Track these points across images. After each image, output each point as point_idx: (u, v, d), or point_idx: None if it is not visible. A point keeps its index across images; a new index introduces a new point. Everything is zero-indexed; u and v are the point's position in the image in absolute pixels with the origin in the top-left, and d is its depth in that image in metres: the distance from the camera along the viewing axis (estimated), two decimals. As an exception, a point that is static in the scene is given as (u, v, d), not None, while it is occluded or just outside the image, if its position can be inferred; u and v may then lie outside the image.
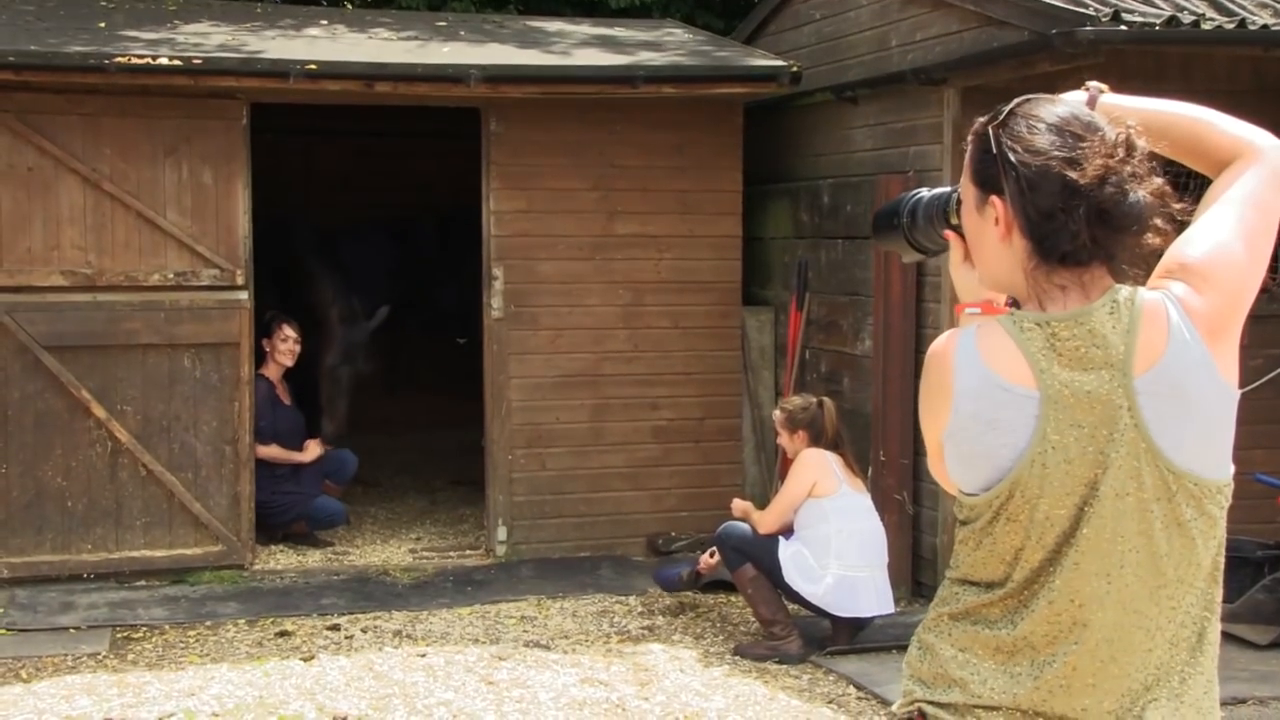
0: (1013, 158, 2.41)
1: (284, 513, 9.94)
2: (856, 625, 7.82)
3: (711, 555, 8.28)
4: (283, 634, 8.12)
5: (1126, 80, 8.50)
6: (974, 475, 2.48)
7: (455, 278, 12.90)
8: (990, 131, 2.47)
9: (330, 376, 10.55)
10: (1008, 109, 2.48)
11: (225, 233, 9.24)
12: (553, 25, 10.97)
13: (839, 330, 9.57)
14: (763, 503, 8.41)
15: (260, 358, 9.85)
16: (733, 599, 8.70)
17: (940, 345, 2.51)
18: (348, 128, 13.36)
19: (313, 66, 8.91)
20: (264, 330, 9.83)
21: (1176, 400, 2.43)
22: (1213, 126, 2.65)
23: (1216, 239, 2.50)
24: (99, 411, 9.04)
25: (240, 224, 9.26)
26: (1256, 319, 9.14)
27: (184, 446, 9.25)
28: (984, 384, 2.42)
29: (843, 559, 7.72)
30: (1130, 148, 2.42)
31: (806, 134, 10.30)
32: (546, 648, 7.89)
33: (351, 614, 8.48)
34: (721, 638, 8.15)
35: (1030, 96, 2.51)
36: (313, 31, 10.00)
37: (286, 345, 10.00)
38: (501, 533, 9.78)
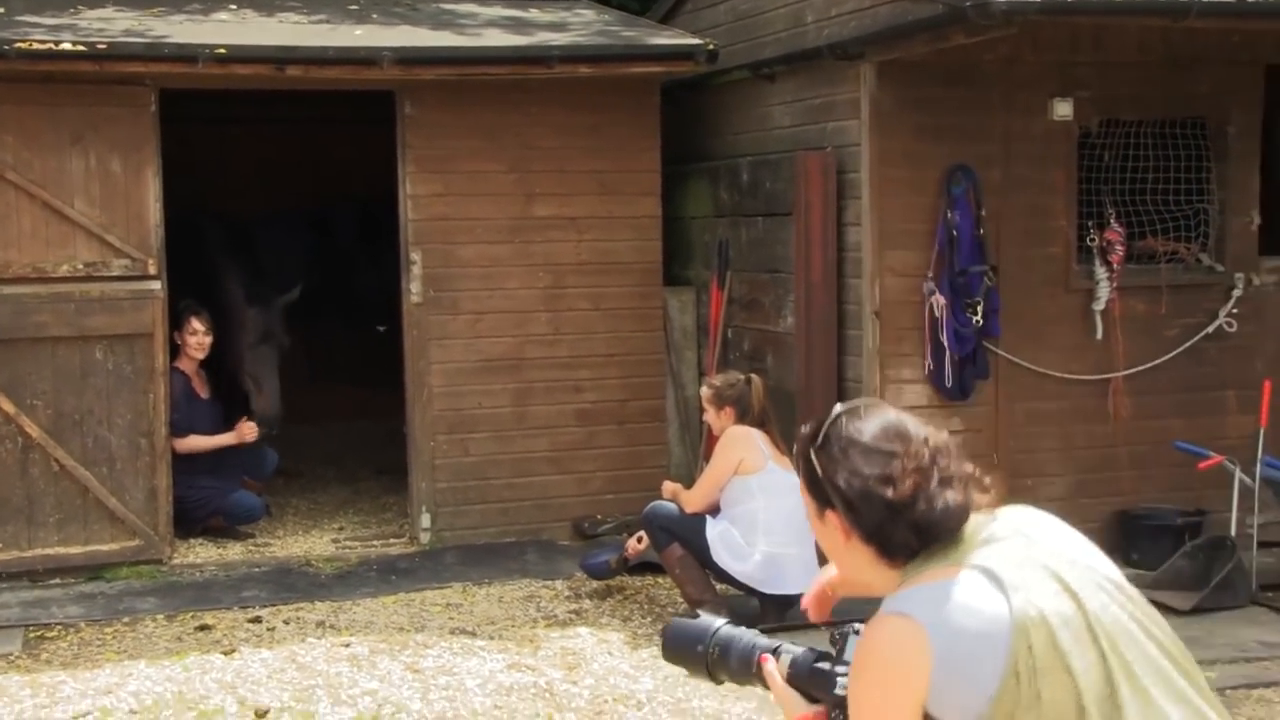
0: (838, 482, 2.63)
1: (201, 507, 9.78)
2: (785, 602, 7.77)
3: (639, 540, 8.22)
4: (203, 628, 7.98)
5: (1040, 52, 8.56)
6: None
7: (375, 265, 12.74)
8: (813, 456, 2.68)
9: (252, 356, 10.34)
10: (825, 428, 2.69)
11: (136, 222, 9.06)
12: (465, 7, 10.83)
13: (761, 308, 9.53)
14: (689, 483, 8.35)
15: (175, 351, 9.68)
16: (660, 581, 8.64)
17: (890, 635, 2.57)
18: (263, 115, 13.17)
19: (222, 50, 8.76)
20: (175, 323, 9.65)
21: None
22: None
23: None
24: (8, 407, 8.84)
25: (151, 212, 9.08)
26: (1173, 289, 9.24)
27: (98, 440, 9.07)
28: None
29: (770, 536, 7.68)
30: (938, 451, 2.64)
31: (725, 113, 10.25)
32: (473, 634, 7.79)
33: (273, 605, 8.35)
34: (649, 619, 8.09)
35: (846, 408, 2.71)
36: (221, 16, 9.82)
37: (195, 339, 9.83)
38: (425, 520, 9.67)
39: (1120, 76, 8.82)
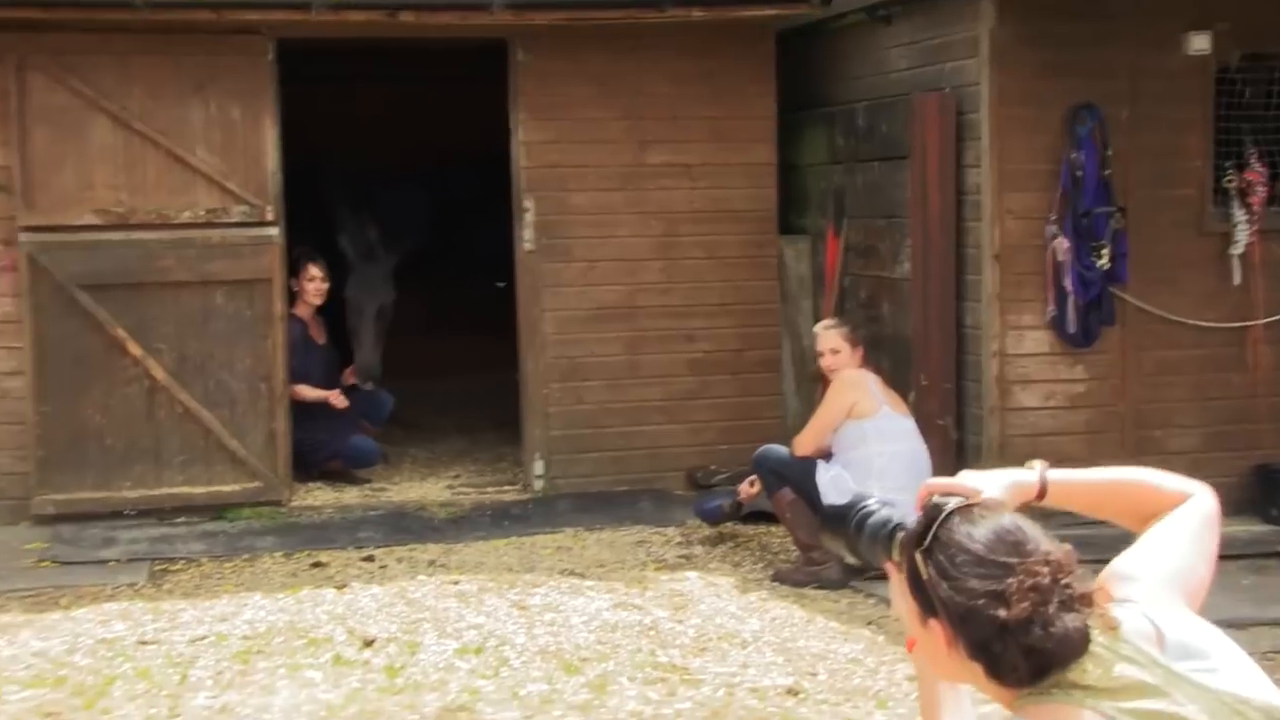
0: (941, 593, 2.43)
1: (319, 451, 9.91)
2: (897, 548, 7.69)
3: (752, 484, 8.18)
4: (317, 565, 8.10)
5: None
6: None
7: (493, 221, 12.80)
8: (919, 560, 2.47)
9: (353, 309, 10.39)
10: (933, 530, 2.47)
11: (254, 169, 9.19)
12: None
13: (877, 255, 9.41)
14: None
15: (293, 298, 9.80)
16: (774, 530, 8.59)
17: None
18: (382, 73, 13.29)
19: (336, -3, 8.85)
20: (292, 270, 9.76)
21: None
22: (1154, 486, 2.78)
23: (1165, 555, 2.66)
24: (135, 349, 9.02)
25: (269, 160, 9.20)
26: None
27: (219, 384, 9.23)
28: None
29: (884, 481, 7.56)
30: (1060, 569, 2.41)
31: (840, 58, 10.12)
32: (581, 575, 7.81)
33: (387, 546, 8.44)
34: (760, 565, 8.05)
35: (956, 508, 2.50)
36: (338, -33, 9.90)
37: (313, 285, 9.94)
38: (538, 467, 9.71)
39: (1263, 6, 8.49)
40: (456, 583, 7.63)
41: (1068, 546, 2.49)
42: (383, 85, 13.58)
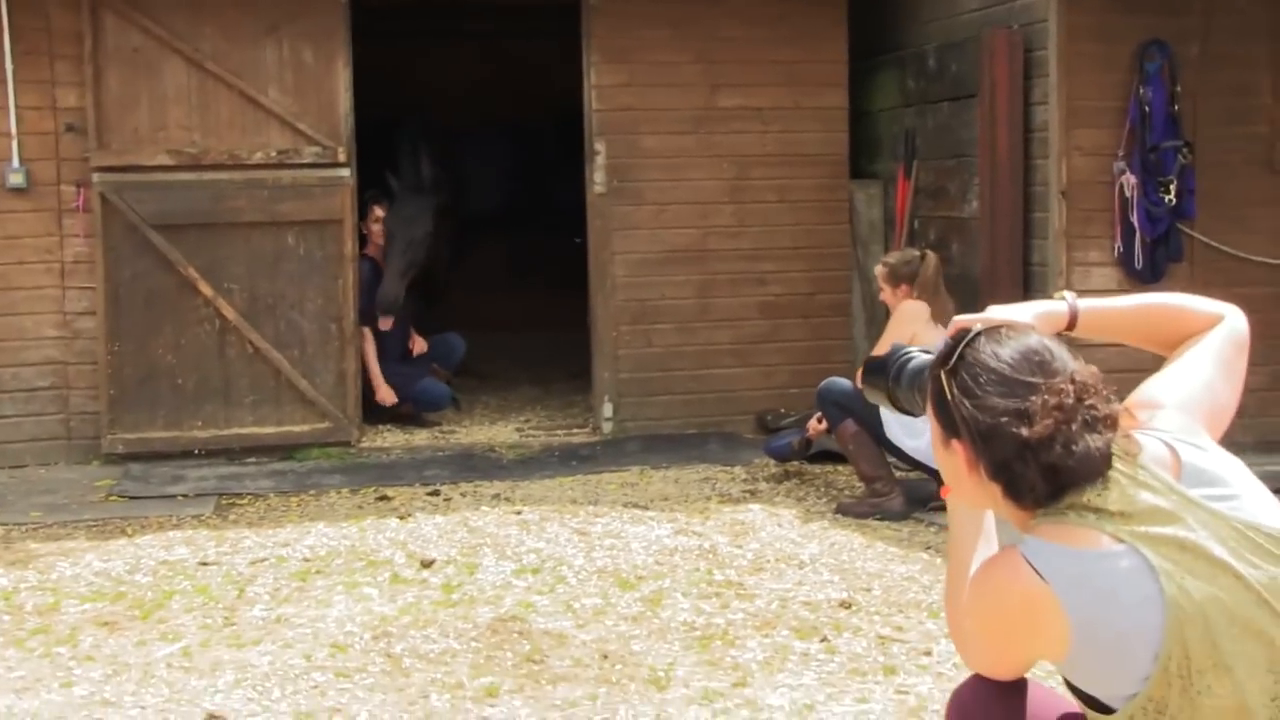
0: (965, 412, 2.44)
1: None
2: (959, 480, 7.62)
3: (820, 420, 8.14)
4: (382, 498, 8.14)
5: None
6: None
7: (573, 178, 12.85)
8: (944, 379, 2.49)
9: (386, 238, 10.24)
10: (959, 350, 2.49)
11: (327, 110, 9.26)
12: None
13: (946, 195, 9.33)
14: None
15: (364, 240, 9.86)
16: (840, 469, 8.55)
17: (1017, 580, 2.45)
18: (465, 29, 13.39)
19: (408, -65, 8.89)
20: (362, 213, 9.81)
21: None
22: (1185, 309, 2.79)
23: (1188, 380, 2.66)
24: (206, 290, 9.12)
25: (341, 102, 9.26)
26: None
27: (290, 324, 9.30)
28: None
29: (945, 412, 7.52)
30: (1084, 389, 2.41)
31: (913, 2, 10.03)
32: (644, 508, 7.80)
33: (453, 483, 8.47)
34: (825, 500, 8.01)
35: (984, 329, 2.52)
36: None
37: (379, 226, 10.00)
38: (608, 409, 9.71)
39: None
40: (519, 512, 7.65)
41: (1094, 368, 2.47)
42: (464, 42, 13.67)
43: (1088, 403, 2.41)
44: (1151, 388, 2.69)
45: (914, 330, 7.61)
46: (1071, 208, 8.32)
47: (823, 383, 7.98)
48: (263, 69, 9.19)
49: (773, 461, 8.68)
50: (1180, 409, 2.63)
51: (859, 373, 7.74)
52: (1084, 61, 8.27)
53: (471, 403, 10.84)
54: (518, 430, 9.99)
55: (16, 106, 8.91)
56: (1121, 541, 2.39)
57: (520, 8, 11.74)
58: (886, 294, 7.94)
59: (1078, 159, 8.32)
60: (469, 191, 12.62)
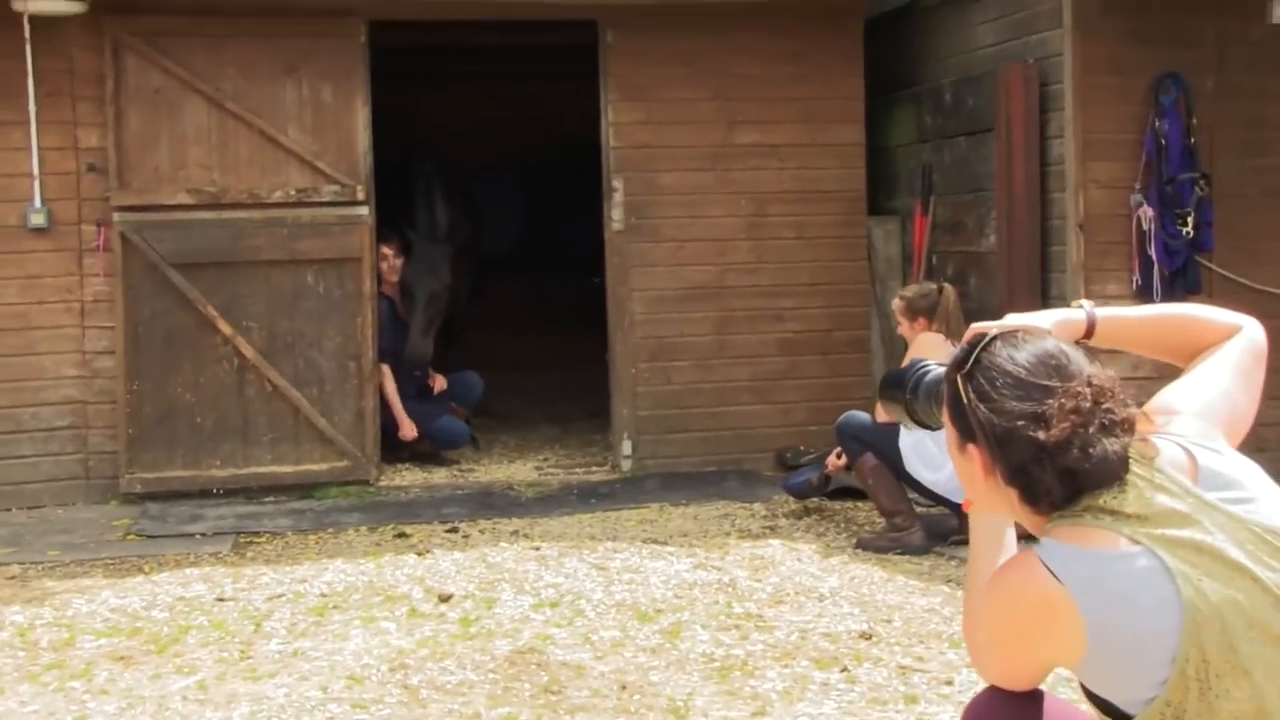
0: (980, 415, 2.44)
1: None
2: (980, 514, 7.57)
3: (839, 455, 8.11)
4: (401, 535, 8.12)
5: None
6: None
7: (588, 217, 12.90)
8: (959, 382, 2.49)
9: (405, 294, 10.27)
10: (975, 354, 2.49)
11: (345, 149, 9.29)
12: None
13: (964, 230, 9.33)
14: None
15: (381, 277, 9.88)
16: (860, 505, 8.52)
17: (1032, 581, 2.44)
18: (477, 71, 13.48)
19: (427, -26, 8.95)
20: (373, 250, 9.84)
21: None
22: (1203, 320, 2.80)
23: (1206, 387, 2.66)
24: (225, 328, 9.14)
25: (360, 140, 9.30)
26: None
27: (308, 362, 9.31)
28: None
29: (964, 445, 7.49)
30: (1101, 393, 2.40)
31: (929, 39, 10.07)
32: (663, 543, 7.77)
33: (472, 520, 8.45)
34: (845, 536, 7.97)
35: (1000, 334, 2.52)
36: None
37: (386, 264, 9.95)
38: (626, 447, 9.69)
39: None
40: (538, 548, 7.63)
41: (1111, 372, 2.46)
42: (482, 82, 13.76)
43: (1105, 406, 2.40)
44: (1169, 395, 2.68)
45: (933, 361, 7.57)
46: (1089, 241, 8.32)
47: (841, 417, 7.96)
48: (282, 108, 9.24)
49: (792, 498, 8.65)
50: (1198, 415, 2.62)
51: (878, 406, 7.76)
52: (1099, 94, 8.28)
53: (490, 441, 10.83)
54: (536, 468, 9.97)
55: (39, 148, 8.97)
56: (1138, 543, 2.37)
57: (533, 47, 11.82)
58: (904, 327, 7.92)
59: (1095, 192, 8.31)
60: (483, 230, 12.66)
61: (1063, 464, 2.39)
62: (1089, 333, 2.77)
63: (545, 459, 10.31)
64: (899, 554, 7.47)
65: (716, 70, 9.64)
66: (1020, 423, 2.41)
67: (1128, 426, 2.42)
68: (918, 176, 9.83)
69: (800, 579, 6.93)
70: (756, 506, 8.70)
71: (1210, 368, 2.73)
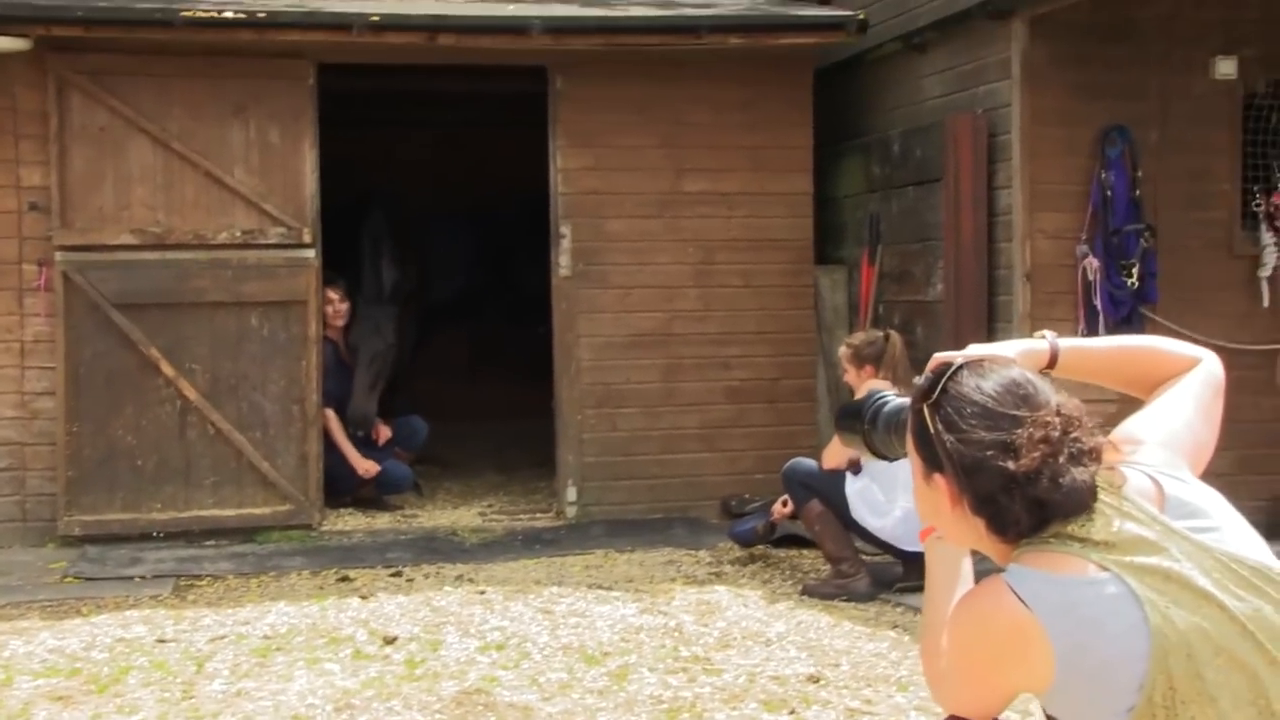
0: (948, 446, 2.40)
1: (353, 477, 9.88)
2: (926, 561, 7.56)
3: (785, 504, 8.10)
4: (344, 579, 8.04)
5: (1201, 8, 8.18)
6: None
7: (538, 265, 12.88)
8: (926, 412, 2.45)
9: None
10: (941, 383, 2.46)
11: (293, 191, 9.25)
12: (617, -10, 10.89)
13: (911, 279, 9.38)
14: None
15: (326, 321, 9.81)
16: (805, 553, 8.51)
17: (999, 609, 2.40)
18: (429, 118, 13.48)
19: (375, 18, 8.92)
20: (318, 294, 9.77)
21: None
22: (1163, 351, 2.80)
23: (1169, 418, 2.65)
24: (168, 370, 9.05)
25: (308, 182, 9.26)
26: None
27: (252, 405, 9.23)
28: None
29: (911, 492, 7.48)
30: (1069, 423, 2.38)
31: (877, 89, 10.15)
32: (608, 588, 7.73)
33: (416, 565, 8.37)
34: (790, 583, 7.95)
35: (966, 363, 2.49)
36: (380, -3, 10.01)
37: (331, 308, 9.89)
38: (571, 493, 9.65)
39: (1287, 34, 8.51)
40: (483, 592, 7.57)
41: (1078, 401, 2.45)
42: (431, 130, 13.76)
43: (1073, 435, 2.37)
44: (1132, 425, 2.68)
45: (880, 410, 7.57)
46: (1035, 290, 8.38)
47: (788, 463, 7.95)
48: (229, 149, 9.19)
49: (737, 546, 8.62)
50: (1162, 445, 2.61)
51: (824, 453, 7.76)
52: (1047, 145, 8.36)
53: (434, 488, 10.75)
54: (480, 514, 9.90)
55: (-20, 185, 8.88)
56: (1106, 570, 2.35)
57: (481, 95, 11.83)
58: (851, 375, 7.91)
59: (1041, 242, 8.38)
60: (430, 278, 12.63)
61: (1032, 494, 2.36)
62: (1051, 363, 2.76)
63: (490, 505, 10.24)
64: (844, 600, 7.45)
65: (666, 117, 9.67)
66: (989, 453, 2.37)
67: (1096, 455, 2.40)
68: (865, 226, 9.88)
69: (747, 624, 6.89)
70: (702, 553, 8.66)
71: (1172, 399, 2.73)
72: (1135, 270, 8.26)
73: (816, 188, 9.98)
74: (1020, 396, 2.43)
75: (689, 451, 9.78)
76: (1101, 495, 2.42)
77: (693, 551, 8.71)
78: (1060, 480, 2.35)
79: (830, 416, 9.92)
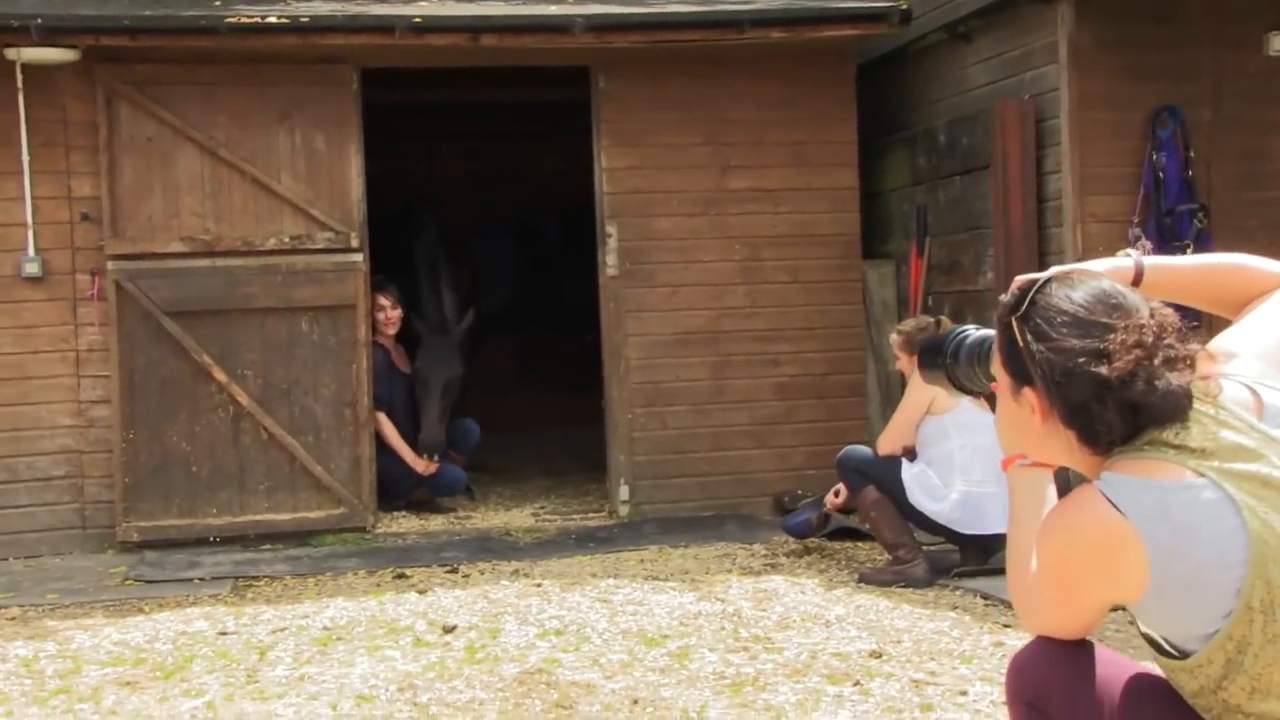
0: (1039, 356, 2.40)
1: (406, 479, 9.90)
2: (985, 544, 7.53)
3: (837, 494, 8.06)
4: (400, 576, 8.05)
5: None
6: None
7: (582, 274, 12.90)
8: (1014, 324, 2.45)
9: (420, 382, 10.25)
10: (1030, 296, 2.46)
11: (339, 196, 9.29)
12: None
13: (960, 269, 9.34)
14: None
15: (374, 326, 9.84)
16: (861, 544, 8.48)
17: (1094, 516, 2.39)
18: (472, 129, 13.54)
19: (418, 20, 8.96)
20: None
21: None
22: (1253, 269, 2.77)
23: (1264, 332, 2.63)
24: (220, 376, 9.09)
25: (354, 187, 9.30)
26: None
27: (304, 410, 9.26)
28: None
29: (968, 475, 7.46)
30: (1163, 329, 2.38)
31: (922, 81, 10.12)
32: (664, 580, 7.71)
33: (471, 563, 8.38)
34: (846, 572, 7.90)
35: (1054, 276, 2.50)
36: (421, 2, 10.05)
37: (383, 315, 9.90)
38: (624, 492, 9.64)
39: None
40: (539, 584, 7.57)
41: (1170, 309, 2.43)
42: (467, 142, 13.82)
43: (1167, 341, 2.37)
44: (1226, 339, 2.65)
45: (932, 395, 7.55)
46: (1087, 275, 8.30)
47: (842, 450, 7.92)
48: (275, 156, 9.24)
49: (791, 538, 8.59)
50: (1258, 357, 2.59)
51: (879, 440, 7.73)
52: (1096, 129, 8.31)
53: (486, 492, 10.76)
54: (534, 515, 9.91)
55: (33, 197, 8.96)
56: (1203, 476, 2.33)
57: (518, 107, 11.89)
58: (903, 362, 7.88)
59: (1092, 226, 8.32)
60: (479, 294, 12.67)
61: (1127, 398, 2.35)
62: (1137, 280, 2.73)
63: (542, 506, 10.25)
64: (902, 587, 7.41)
65: (709, 115, 9.68)
66: (1081, 359, 2.37)
67: (1190, 362, 2.39)
68: (912, 218, 9.85)
69: (805, 608, 6.87)
70: (756, 547, 8.64)
71: (1265, 313, 2.70)
72: (1189, 251, 8.18)
73: (862, 183, 9.97)
74: (1111, 305, 2.42)
75: (739, 448, 9.76)
76: (1197, 404, 2.40)
77: (747, 545, 8.69)
78: (1155, 383, 2.34)
79: (880, 411, 9.90)
